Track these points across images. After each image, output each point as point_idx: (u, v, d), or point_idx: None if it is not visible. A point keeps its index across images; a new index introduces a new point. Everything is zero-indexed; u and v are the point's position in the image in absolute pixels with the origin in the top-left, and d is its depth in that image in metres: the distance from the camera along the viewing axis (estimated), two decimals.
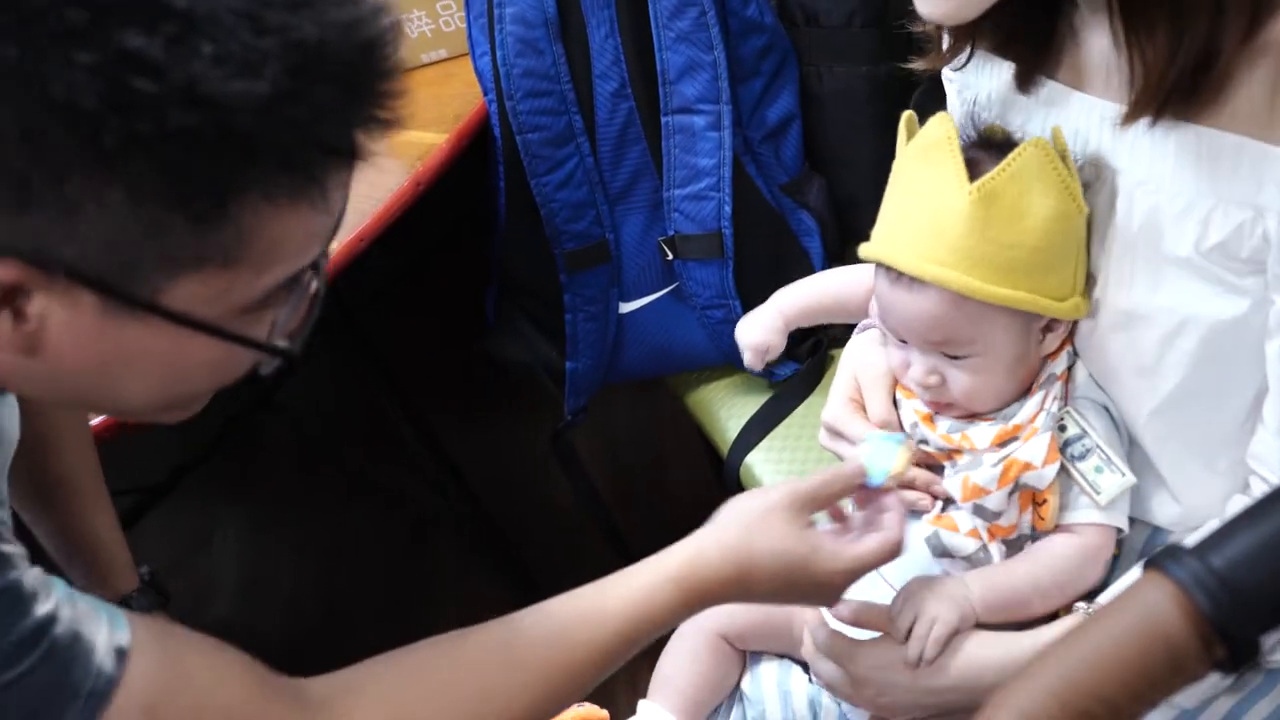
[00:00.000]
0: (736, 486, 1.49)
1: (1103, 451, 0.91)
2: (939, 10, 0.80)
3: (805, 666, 1.07)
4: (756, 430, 1.49)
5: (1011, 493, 0.93)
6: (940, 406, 0.95)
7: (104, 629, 0.70)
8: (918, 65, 0.98)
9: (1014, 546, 0.95)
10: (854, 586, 1.02)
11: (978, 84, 0.95)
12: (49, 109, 0.57)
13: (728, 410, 1.57)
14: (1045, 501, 0.92)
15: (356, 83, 0.63)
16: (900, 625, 0.94)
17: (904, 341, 0.94)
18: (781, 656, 1.11)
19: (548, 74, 1.44)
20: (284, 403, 2.40)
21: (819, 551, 0.87)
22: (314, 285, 0.72)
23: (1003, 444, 0.92)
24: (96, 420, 1.30)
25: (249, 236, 0.63)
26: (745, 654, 1.13)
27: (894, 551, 0.89)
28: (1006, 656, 0.93)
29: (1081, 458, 0.92)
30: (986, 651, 0.94)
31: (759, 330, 1.12)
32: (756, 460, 1.47)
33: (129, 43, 0.57)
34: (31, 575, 0.69)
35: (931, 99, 1.12)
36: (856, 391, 1.02)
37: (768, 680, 1.10)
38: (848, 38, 1.48)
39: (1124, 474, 0.91)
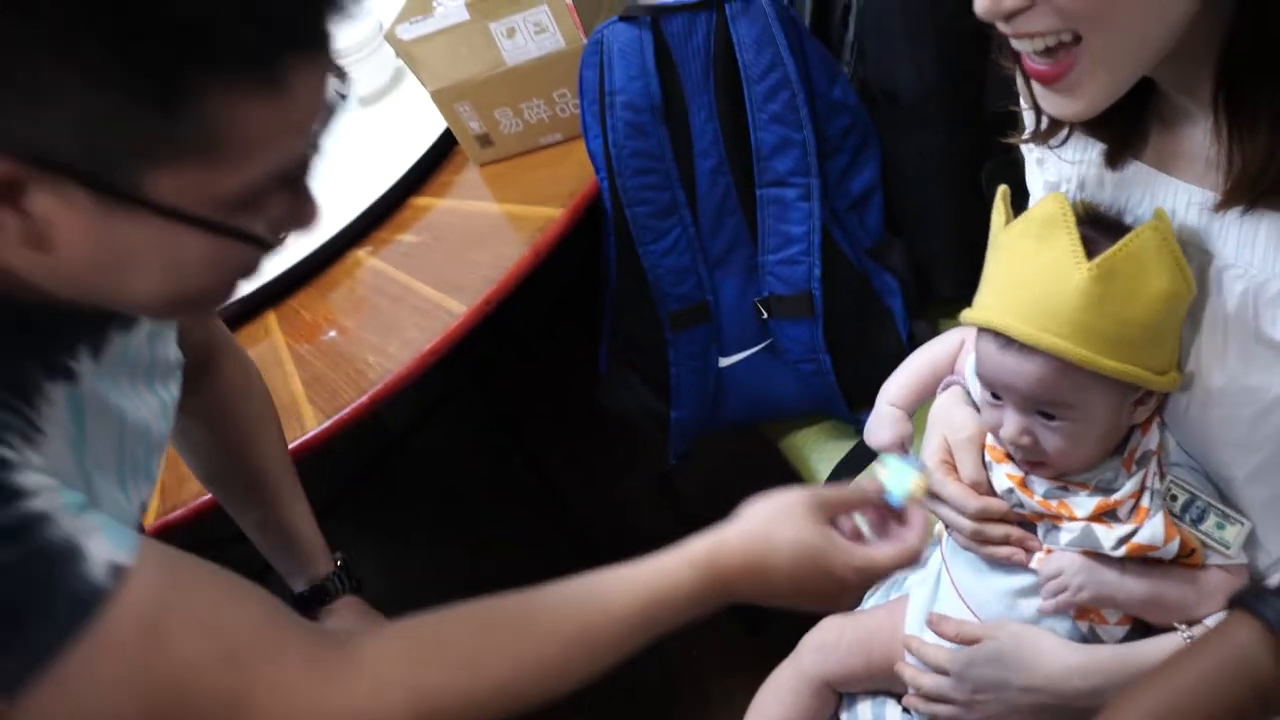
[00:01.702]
0: None
1: (1217, 508, 0.88)
2: (1068, 110, 0.77)
3: (899, 697, 1.05)
4: (845, 473, 1.49)
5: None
6: (1031, 465, 0.93)
7: (105, 544, 0.65)
8: (1013, 140, 0.96)
9: None
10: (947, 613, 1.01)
11: (1061, 159, 0.93)
12: None
13: (818, 454, 1.57)
14: (1194, 551, 0.90)
15: None
16: (1047, 570, 0.92)
17: (998, 399, 0.91)
18: (876, 693, 1.10)
19: (653, 154, 1.46)
20: (417, 448, 2.44)
21: (835, 546, 0.83)
22: (306, 183, 0.68)
23: (1102, 515, 0.90)
24: None
25: (216, 126, 0.59)
26: (842, 694, 1.11)
27: (910, 558, 0.85)
28: (1091, 663, 0.92)
29: (1200, 519, 0.89)
30: (1074, 657, 0.92)
31: (888, 430, 1.08)
32: None
33: None
34: (36, 479, 0.65)
35: (1004, 169, 1.10)
36: (947, 453, 0.99)
37: (864, 715, 1.09)
38: (924, 115, 1.48)
39: (1244, 522, 0.88)
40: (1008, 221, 0.90)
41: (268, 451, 1.13)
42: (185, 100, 0.58)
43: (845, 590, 0.85)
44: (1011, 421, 0.90)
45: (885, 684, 1.08)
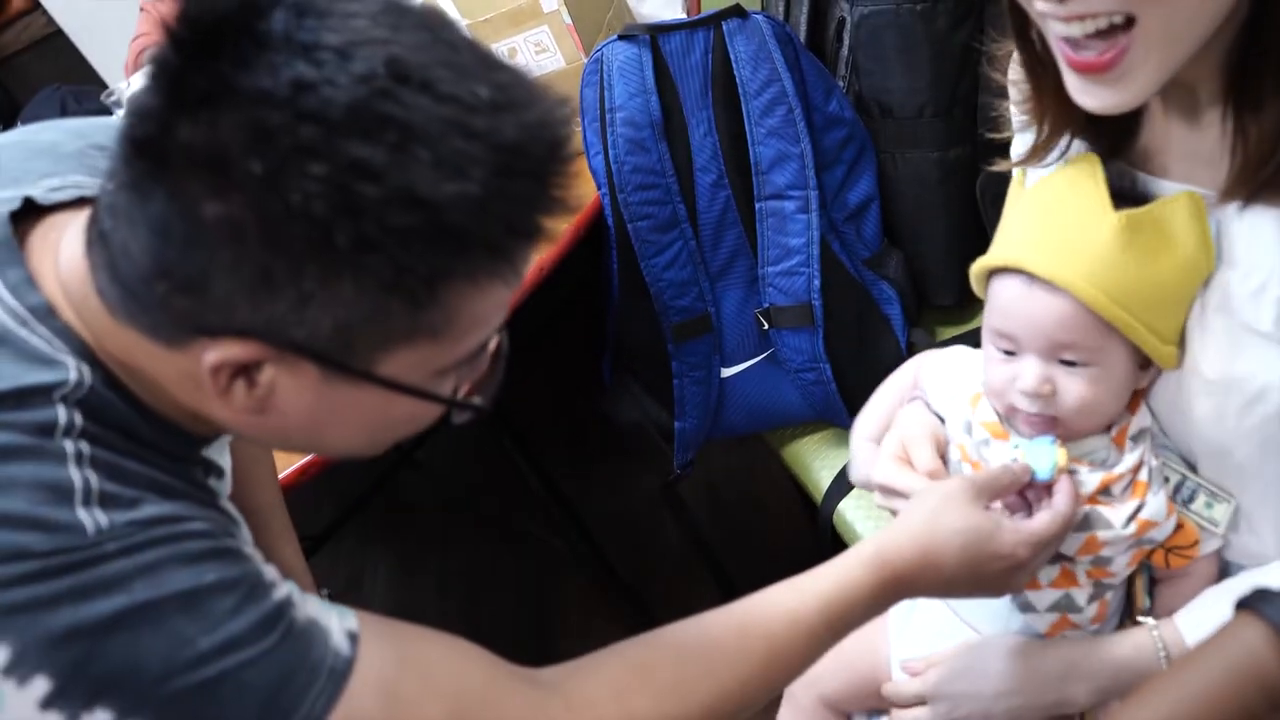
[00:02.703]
0: (830, 533, 1.48)
1: (1206, 487, 0.88)
2: (1113, 101, 0.73)
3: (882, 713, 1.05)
4: (847, 480, 1.47)
5: (1129, 548, 0.90)
6: (1041, 423, 0.89)
7: (335, 617, 0.70)
8: (1002, 167, 0.95)
9: (1103, 589, 0.93)
10: (930, 626, 1.01)
11: (1049, 170, 0.91)
12: (288, 214, 0.58)
13: (820, 462, 1.56)
14: (1196, 543, 0.89)
15: (546, 174, 0.63)
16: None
17: (1011, 354, 0.88)
18: (874, 715, 1.09)
19: (654, 169, 1.46)
20: (425, 459, 2.44)
21: (1001, 526, 0.84)
22: (497, 342, 0.72)
23: (1099, 495, 0.89)
24: None
25: (454, 313, 0.64)
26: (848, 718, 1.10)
27: (1065, 522, 0.86)
28: (1062, 660, 0.91)
29: (1191, 500, 0.89)
30: (1043, 656, 0.92)
31: (870, 467, 1.04)
32: (848, 507, 1.46)
33: (355, 152, 0.57)
34: (269, 569, 0.70)
35: (999, 179, 1.09)
36: (902, 450, 0.97)
37: None
38: (919, 127, 1.48)
39: (1230, 499, 0.88)
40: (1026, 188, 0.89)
41: (262, 491, 1.13)
42: (437, 298, 0.62)
43: (1018, 568, 0.85)
44: (1031, 370, 0.86)
45: (879, 704, 1.06)
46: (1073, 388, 0.86)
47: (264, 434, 0.71)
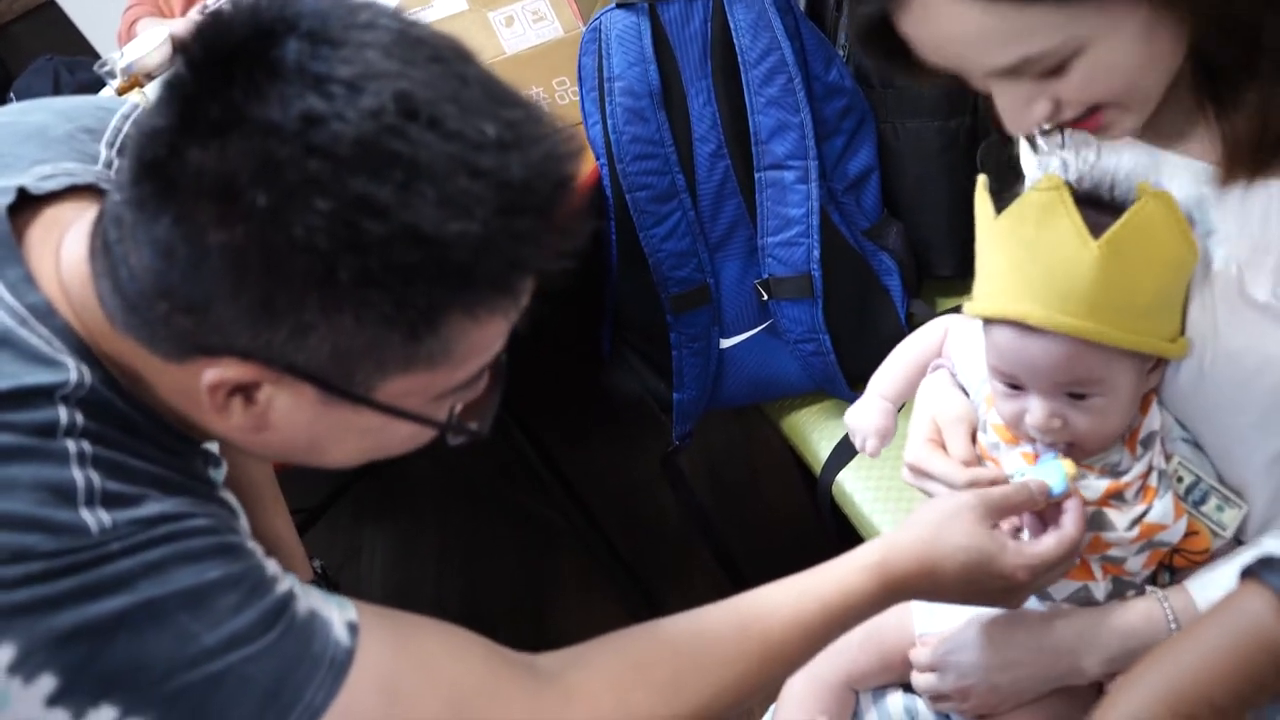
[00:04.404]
0: (829, 504, 1.47)
1: (1219, 491, 0.88)
2: (1103, 139, 0.78)
3: (905, 687, 1.05)
4: (846, 451, 1.47)
5: (1141, 550, 0.89)
6: (1057, 445, 0.89)
7: (335, 609, 0.71)
8: (1019, 152, 0.95)
9: (1124, 586, 0.92)
10: (942, 614, 1.01)
11: (1054, 143, 0.89)
12: (291, 246, 0.58)
13: (819, 433, 1.56)
14: (1198, 532, 0.89)
15: (551, 209, 0.63)
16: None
17: (1016, 389, 0.88)
18: (905, 687, 1.08)
19: (653, 139, 1.45)
20: None
21: (1004, 548, 0.84)
22: (495, 365, 0.73)
23: (1110, 498, 0.88)
24: None
25: (452, 344, 0.65)
26: (856, 694, 1.09)
27: (1071, 547, 0.85)
28: (1075, 633, 0.91)
29: (1202, 502, 0.88)
30: (1045, 629, 0.92)
31: (875, 420, 1.05)
32: (847, 478, 1.45)
33: (361, 189, 0.58)
34: (270, 563, 0.71)
35: (999, 148, 1.09)
36: (935, 432, 0.97)
37: (864, 701, 1.08)
38: (920, 97, 1.47)
39: (1241, 505, 0.87)
40: (996, 213, 0.86)
41: (252, 464, 1.12)
42: (435, 326, 0.63)
43: (1017, 588, 0.86)
44: (1039, 407, 0.86)
45: (906, 676, 1.05)
46: (1082, 419, 0.86)
47: (261, 448, 0.72)
